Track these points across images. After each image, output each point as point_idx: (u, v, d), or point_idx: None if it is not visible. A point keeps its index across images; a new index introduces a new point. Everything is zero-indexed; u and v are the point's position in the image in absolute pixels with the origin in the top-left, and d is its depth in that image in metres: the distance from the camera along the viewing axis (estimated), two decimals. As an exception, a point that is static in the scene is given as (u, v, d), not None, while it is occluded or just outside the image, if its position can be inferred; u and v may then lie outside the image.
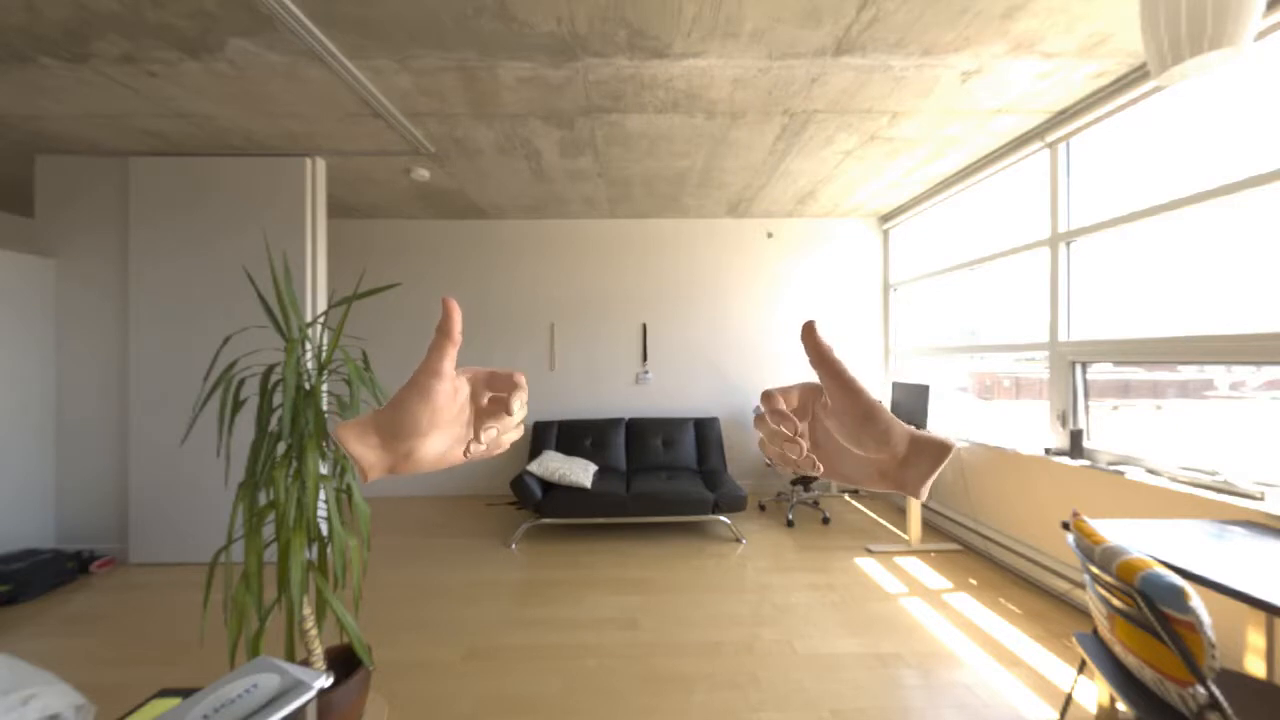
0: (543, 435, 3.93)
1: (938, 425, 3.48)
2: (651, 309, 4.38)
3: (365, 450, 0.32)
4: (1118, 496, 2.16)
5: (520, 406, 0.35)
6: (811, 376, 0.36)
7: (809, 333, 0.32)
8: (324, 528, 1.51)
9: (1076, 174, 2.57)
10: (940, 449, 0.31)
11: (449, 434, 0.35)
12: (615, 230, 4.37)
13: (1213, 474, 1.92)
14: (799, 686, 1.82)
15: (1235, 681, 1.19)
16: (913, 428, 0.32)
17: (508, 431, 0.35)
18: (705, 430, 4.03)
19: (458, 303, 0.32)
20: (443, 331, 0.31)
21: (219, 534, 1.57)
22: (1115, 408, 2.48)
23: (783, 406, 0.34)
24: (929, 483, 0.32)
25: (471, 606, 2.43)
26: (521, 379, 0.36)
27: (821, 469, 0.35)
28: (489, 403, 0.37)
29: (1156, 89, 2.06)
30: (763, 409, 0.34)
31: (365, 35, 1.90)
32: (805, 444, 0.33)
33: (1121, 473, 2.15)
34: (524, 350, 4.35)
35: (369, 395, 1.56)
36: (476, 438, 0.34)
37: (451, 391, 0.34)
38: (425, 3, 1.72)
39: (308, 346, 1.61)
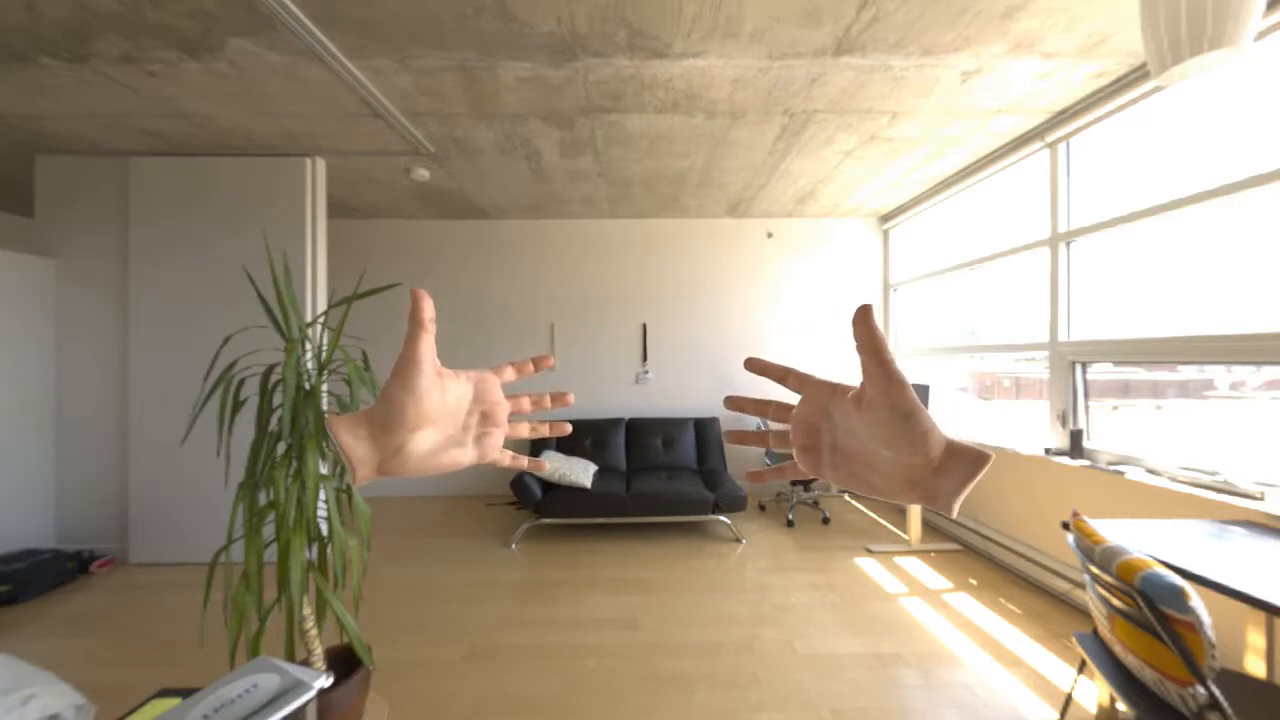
0: (543, 435, 3.92)
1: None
2: (651, 309, 4.38)
3: (355, 442, 0.32)
4: (1118, 496, 2.16)
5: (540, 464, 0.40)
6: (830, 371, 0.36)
7: (866, 316, 0.30)
8: (324, 528, 1.51)
9: (1076, 174, 2.57)
10: (977, 459, 0.29)
11: (441, 432, 0.35)
12: (615, 230, 4.37)
13: (1213, 474, 1.92)
14: (799, 686, 1.82)
15: (1235, 681, 1.19)
16: (954, 438, 0.31)
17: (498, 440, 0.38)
18: (705, 430, 4.03)
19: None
20: (412, 319, 0.32)
21: (219, 534, 1.57)
22: (1115, 408, 2.48)
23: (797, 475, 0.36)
24: (962, 496, 0.30)
25: (471, 606, 2.43)
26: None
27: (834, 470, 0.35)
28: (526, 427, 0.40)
29: (1156, 89, 2.06)
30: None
31: (365, 35, 1.90)
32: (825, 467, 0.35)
33: (1121, 473, 2.15)
34: (524, 350, 4.34)
35: (369, 395, 1.56)
36: (478, 443, 0.36)
37: (436, 382, 0.33)
38: (425, 3, 1.72)
39: (308, 346, 1.61)
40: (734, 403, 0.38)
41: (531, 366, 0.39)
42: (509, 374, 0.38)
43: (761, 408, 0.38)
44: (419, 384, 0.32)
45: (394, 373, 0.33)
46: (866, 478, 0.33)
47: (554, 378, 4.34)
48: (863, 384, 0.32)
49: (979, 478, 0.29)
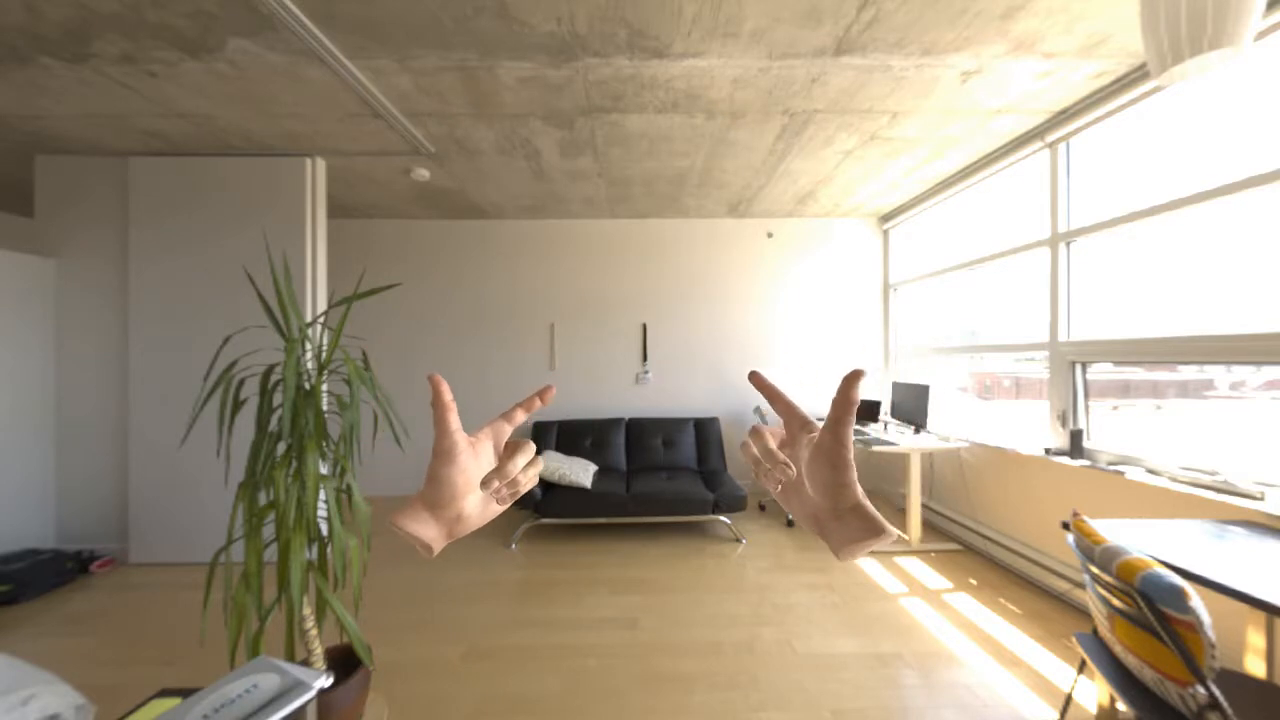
0: (543, 435, 3.93)
1: (938, 425, 3.47)
2: (651, 309, 4.37)
3: (422, 528, 0.36)
4: (1118, 496, 2.16)
5: (521, 465, 0.37)
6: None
7: (854, 380, 0.33)
8: (324, 528, 1.51)
9: (1076, 174, 2.57)
10: (874, 529, 0.32)
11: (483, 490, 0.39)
12: (615, 230, 4.37)
13: (1213, 474, 1.92)
14: (799, 686, 1.82)
15: (1235, 681, 1.19)
16: (868, 504, 0.34)
17: (512, 478, 0.37)
18: (705, 430, 4.03)
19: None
20: (436, 404, 0.36)
21: (219, 534, 1.58)
22: (1115, 408, 2.48)
23: (774, 446, 0.36)
24: (852, 551, 0.33)
25: (471, 606, 2.43)
26: (529, 447, 0.39)
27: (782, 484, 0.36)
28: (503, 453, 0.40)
29: (1156, 89, 2.06)
30: (753, 445, 0.36)
31: (365, 35, 1.90)
32: (792, 472, 0.35)
33: (1121, 473, 2.15)
34: (524, 350, 4.35)
35: (369, 395, 1.56)
36: (487, 486, 0.37)
37: (472, 452, 0.38)
38: (425, 3, 1.72)
39: (308, 346, 1.61)
40: (758, 378, 0.42)
41: (539, 402, 0.41)
42: (520, 416, 0.41)
43: (775, 395, 0.42)
44: (460, 460, 0.36)
45: (437, 455, 0.36)
46: (791, 497, 0.38)
47: (555, 377, 4.34)
48: (823, 429, 0.35)
49: (871, 544, 0.32)
